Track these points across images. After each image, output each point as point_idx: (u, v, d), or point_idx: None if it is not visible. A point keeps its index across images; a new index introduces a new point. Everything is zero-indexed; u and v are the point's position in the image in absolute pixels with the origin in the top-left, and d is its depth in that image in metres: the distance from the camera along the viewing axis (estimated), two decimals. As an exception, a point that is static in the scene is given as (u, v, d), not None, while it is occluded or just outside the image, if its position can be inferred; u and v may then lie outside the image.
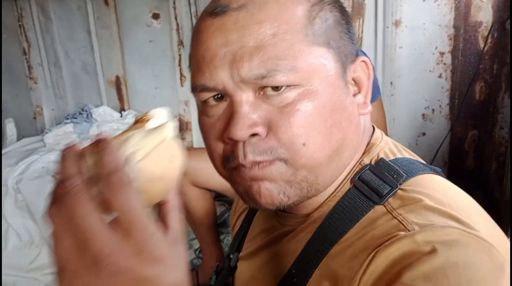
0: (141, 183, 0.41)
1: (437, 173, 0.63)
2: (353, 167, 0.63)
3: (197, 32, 0.60)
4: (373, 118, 1.63)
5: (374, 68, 1.65)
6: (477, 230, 0.51)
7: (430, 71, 2.21)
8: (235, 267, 0.82)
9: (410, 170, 0.59)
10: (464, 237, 0.49)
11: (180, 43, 2.58)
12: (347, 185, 0.62)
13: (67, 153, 0.41)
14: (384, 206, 0.56)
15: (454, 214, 0.52)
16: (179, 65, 2.61)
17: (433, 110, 2.27)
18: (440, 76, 2.21)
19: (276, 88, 0.56)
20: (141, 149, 0.43)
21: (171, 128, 0.45)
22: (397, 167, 0.59)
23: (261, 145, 0.56)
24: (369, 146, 0.65)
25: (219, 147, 0.59)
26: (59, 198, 0.37)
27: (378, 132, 0.68)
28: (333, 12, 0.60)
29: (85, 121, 2.64)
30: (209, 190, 1.94)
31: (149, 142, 0.43)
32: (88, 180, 0.39)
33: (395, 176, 0.58)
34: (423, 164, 0.64)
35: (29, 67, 2.97)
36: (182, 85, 2.64)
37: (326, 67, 0.57)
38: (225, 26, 0.56)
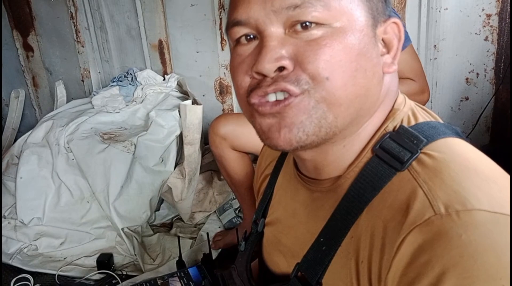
0: None
1: (459, 135, 0.62)
2: (375, 132, 0.63)
3: None
4: (408, 65, 1.64)
5: (405, 31, 1.63)
6: (503, 201, 0.50)
7: (475, 33, 2.14)
8: (262, 233, 0.84)
9: (431, 135, 0.59)
10: (490, 219, 0.48)
11: (221, 6, 2.59)
12: (369, 154, 0.62)
13: None
14: (409, 171, 0.56)
15: (476, 183, 0.52)
16: (220, 28, 2.63)
17: (477, 74, 2.22)
18: (486, 39, 2.14)
19: (305, 26, 0.56)
20: None
21: None
22: (417, 133, 0.59)
23: (290, 76, 0.57)
24: (392, 112, 0.65)
25: (246, 81, 0.61)
26: None
27: (401, 96, 0.68)
28: None
29: (130, 84, 2.72)
30: (248, 153, 1.99)
31: None
32: None
33: (415, 141, 0.58)
34: (445, 126, 0.63)
35: (77, 31, 3.06)
36: (222, 49, 2.67)
37: (357, 13, 0.58)
38: None
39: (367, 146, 0.63)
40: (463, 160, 0.55)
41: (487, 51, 2.16)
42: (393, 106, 0.65)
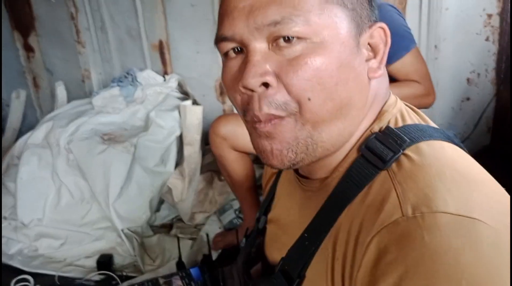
0: None
1: (448, 138, 0.63)
2: (362, 134, 0.65)
3: None
4: (413, 67, 1.63)
5: (410, 32, 1.62)
6: (472, 204, 0.51)
7: (476, 34, 2.14)
8: (264, 229, 0.86)
9: (416, 137, 0.60)
10: (453, 222, 0.49)
11: (221, 7, 2.58)
12: (355, 154, 0.64)
13: None
14: (388, 171, 0.58)
15: (449, 188, 0.52)
16: (221, 29, 2.62)
17: (478, 74, 2.21)
18: (487, 39, 2.13)
19: (287, 40, 0.58)
20: None
21: None
22: (401, 134, 0.60)
23: (276, 99, 0.59)
24: (381, 113, 0.66)
25: (238, 99, 0.64)
26: None
27: (392, 98, 0.69)
28: None
29: (130, 84, 2.72)
30: (248, 154, 1.99)
31: None
32: None
33: (398, 142, 0.59)
34: (434, 129, 0.64)
35: (77, 32, 3.06)
36: (223, 49, 2.66)
37: (337, 25, 0.59)
38: None
39: (353, 147, 0.65)
40: (441, 164, 0.56)
41: (488, 51, 2.15)
42: (382, 108, 0.67)
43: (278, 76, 0.59)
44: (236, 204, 2.39)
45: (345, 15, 0.60)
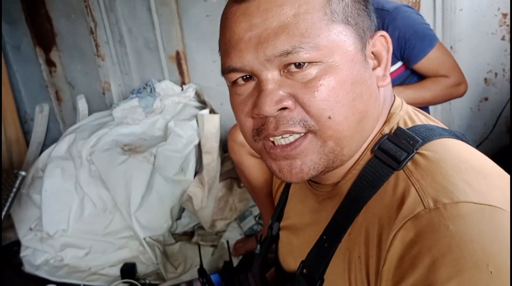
0: None
1: (457, 137, 0.65)
2: (374, 137, 0.66)
3: (224, 19, 0.64)
4: (440, 62, 1.65)
5: (430, 28, 1.63)
6: (490, 194, 0.53)
7: (492, 33, 2.12)
8: (277, 236, 0.88)
9: (427, 136, 0.62)
10: (476, 210, 0.51)
11: (236, 16, 2.61)
12: (368, 155, 0.65)
13: None
14: (404, 170, 0.59)
15: (467, 180, 0.54)
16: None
17: (495, 74, 2.19)
18: (503, 39, 2.11)
19: (299, 65, 0.59)
20: None
21: None
22: (413, 134, 0.62)
23: (294, 116, 0.60)
24: (389, 116, 0.68)
25: (249, 122, 0.65)
26: None
27: (398, 101, 0.71)
28: None
29: (149, 95, 2.77)
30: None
31: None
32: None
33: (411, 142, 0.61)
34: (441, 128, 0.66)
35: (97, 46, 3.13)
36: (238, 58, 2.68)
37: (346, 43, 0.60)
38: (249, 11, 0.59)
39: (366, 149, 0.66)
40: (455, 158, 0.58)
41: (505, 50, 2.13)
42: (389, 111, 0.69)
43: (294, 97, 0.60)
44: (256, 211, 2.41)
45: (350, 31, 0.61)
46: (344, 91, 0.60)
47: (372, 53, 0.65)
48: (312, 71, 0.59)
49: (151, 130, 2.61)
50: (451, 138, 0.63)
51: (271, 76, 0.60)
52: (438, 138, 0.62)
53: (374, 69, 0.65)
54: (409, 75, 1.75)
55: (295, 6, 0.58)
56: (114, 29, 3.04)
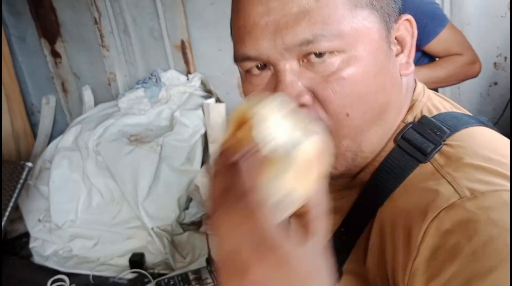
0: (298, 166, 0.44)
1: (483, 123, 0.61)
2: (397, 127, 0.62)
3: (235, 0, 0.59)
4: (453, 40, 1.64)
5: (440, 7, 1.61)
6: None
7: (501, 16, 2.07)
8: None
9: (454, 125, 0.58)
10: None
11: (241, 3, 2.58)
12: (391, 145, 0.61)
13: (219, 168, 0.44)
14: (431, 163, 0.55)
15: (501, 171, 0.52)
16: (241, 25, 2.62)
17: (505, 58, 2.14)
18: (513, 21, 2.07)
19: (320, 55, 0.54)
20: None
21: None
22: (439, 124, 0.58)
23: (311, 115, 0.56)
24: (412, 103, 0.64)
25: None
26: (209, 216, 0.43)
27: (420, 86, 0.66)
28: None
29: (154, 85, 2.75)
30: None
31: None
32: (228, 200, 0.42)
33: (438, 133, 0.57)
34: (468, 116, 0.62)
35: (101, 36, 3.11)
36: (244, 46, 2.66)
37: (370, 31, 0.56)
38: None
39: (389, 140, 0.62)
40: (485, 148, 0.55)
41: (515, 33, 2.09)
42: (411, 98, 0.65)
43: (313, 93, 0.56)
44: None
45: (375, 17, 0.56)
46: (367, 84, 0.55)
47: (396, 38, 0.60)
48: (334, 61, 0.54)
49: (157, 120, 2.60)
50: (478, 125, 0.60)
51: (289, 66, 0.55)
52: (466, 127, 0.58)
53: (397, 55, 0.61)
54: (420, 57, 1.73)
55: None
56: (118, 18, 3.02)
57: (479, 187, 0.50)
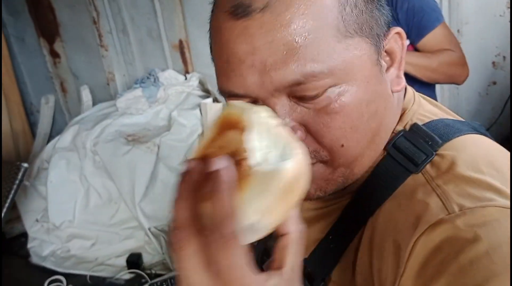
0: (275, 189, 0.41)
1: (475, 130, 0.60)
2: (387, 137, 0.60)
3: (217, 32, 0.55)
4: (445, 37, 1.68)
5: (437, 6, 1.62)
6: None
7: (500, 15, 2.06)
8: None
9: (446, 134, 0.57)
10: (504, 215, 0.47)
11: (239, 2, 2.57)
12: (382, 153, 0.59)
13: (183, 189, 0.41)
14: (422, 174, 0.54)
15: (493, 184, 0.50)
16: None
17: (504, 57, 2.13)
18: (511, 21, 2.06)
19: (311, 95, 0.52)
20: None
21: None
22: (431, 132, 0.56)
23: (305, 147, 0.53)
24: (402, 111, 0.62)
25: None
26: (173, 246, 0.41)
27: (409, 92, 0.64)
28: None
29: (152, 85, 2.75)
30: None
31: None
32: (197, 229, 0.40)
33: (430, 142, 0.55)
34: (460, 122, 0.60)
35: (100, 36, 3.11)
36: (242, 46, 2.66)
37: (361, 59, 0.53)
38: (250, 31, 0.50)
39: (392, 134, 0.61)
40: (477, 159, 0.54)
41: (514, 32, 2.08)
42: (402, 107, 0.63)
43: (305, 126, 0.54)
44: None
45: (365, 42, 0.53)
46: (359, 114, 0.53)
47: (385, 51, 0.57)
48: (325, 96, 0.52)
49: (154, 120, 2.59)
50: (470, 133, 0.58)
51: (279, 103, 0.53)
52: (458, 136, 0.57)
53: (387, 69, 0.58)
54: None
55: (304, 24, 0.49)
56: (116, 18, 3.02)
57: (468, 202, 0.49)
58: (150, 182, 2.29)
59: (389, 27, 0.58)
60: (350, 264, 0.59)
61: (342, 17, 0.51)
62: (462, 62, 1.67)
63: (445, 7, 2.15)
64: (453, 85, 2.25)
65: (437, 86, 1.94)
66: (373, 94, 0.54)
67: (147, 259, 2.26)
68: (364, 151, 0.57)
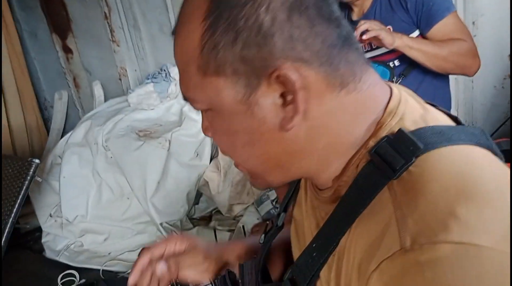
0: None
1: (473, 141, 0.54)
2: (358, 151, 0.57)
3: None
4: (457, 26, 1.62)
5: (409, 5, 1.58)
6: (482, 229, 0.45)
7: (516, 7, 2.02)
8: (282, 226, 0.82)
9: (432, 142, 0.52)
10: (458, 253, 0.44)
11: (250, -4, 2.56)
12: (365, 159, 0.56)
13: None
14: (389, 189, 0.51)
15: (456, 214, 0.45)
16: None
17: (520, 50, 2.09)
18: (528, 12, 2.01)
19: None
20: None
21: None
22: (414, 139, 0.52)
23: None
24: (377, 126, 0.57)
25: None
26: None
27: (393, 103, 0.58)
28: (229, 33, 0.52)
29: (164, 80, 2.75)
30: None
31: None
32: None
33: (411, 147, 0.51)
34: (458, 130, 0.55)
35: (111, 31, 3.12)
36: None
37: (219, 96, 0.54)
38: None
39: (358, 151, 0.58)
40: (449, 177, 0.49)
41: (531, 24, 2.03)
42: (380, 119, 0.58)
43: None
44: (273, 194, 2.39)
45: (225, 82, 0.53)
46: (232, 139, 0.58)
47: (281, 82, 0.53)
48: (207, 115, 0.60)
49: (166, 115, 2.60)
50: (467, 144, 0.54)
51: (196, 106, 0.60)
52: (445, 145, 0.52)
53: (285, 106, 0.54)
54: None
55: (179, 57, 0.57)
56: (128, 13, 3.02)
57: (421, 236, 0.45)
58: (161, 178, 2.30)
59: (286, 58, 0.53)
60: (326, 277, 0.57)
61: (201, 56, 0.53)
62: (473, 53, 1.63)
63: (460, -1, 2.11)
64: (467, 78, 2.21)
65: (451, 80, 1.90)
66: (239, 128, 0.56)
67: (159, 254, 2.27)
68: (269, 171, 0.60)
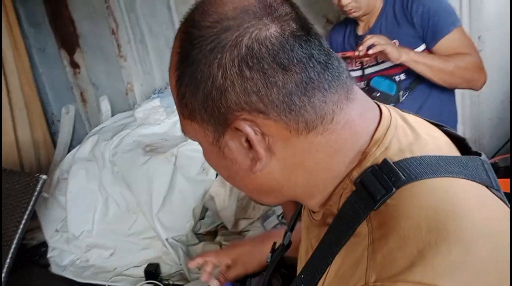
0: None
1: (467, 172, 0.53)
2: (342, 180, 0.57)
3: None
4: (462, 42, 1.63)
5: (439, 9, 1.57)
6: (450, 271, 0.44)
7: (522, 22, 2.02)
8: (289, 245, 0.84)
9: (416, 174, 0.51)
10: None
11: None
12: (351, 187, 0.56)
13: None
14: (367, 222, 0.51)
15: (423, 247, 0.45)
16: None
17: (527, 64, 2.08)
18: (534, 27, 2.01)
19: None
20: None
21: None
22: (397, 169, 0.52)
23: None
24: (362, 156, 0.57)
25: None
26: None
27: (378, 134, 0.58)
28: (192, 85, 0.54)
29: (170, 94, 2.75)
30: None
31: None
32: None
33: (393, 178, 0.51)
34: (452, 163, 0.54)
35: (119, 46, 3.14)
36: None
37: (198, 136, 0.60)
38: None
39: (343, 180, 0.57)
40: (422, 214, 0.48)
41: (537, 39, 2.03)
42: (365, 150, 0.57)
43: None
44: (279, 210, 2.38)
45: (198, 126, 0.57)
46: (219, 170, 0.63)
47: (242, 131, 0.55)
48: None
49: (172, 130, 2.60)
50: (455, 177, 0.52)
51: None
52: (430, 177, 0.51)
53: (251, 149, 0.56)
54: None
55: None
56: (135, 28, 3.05)
57: (384, 273, 0.45)
58: (167, 193, 2.30)
59: (246, 104, 0.54)
60: None
61: (179, 101, 0.58)
62: (480, 67, 1.63)
63: (466, 13, 2.11)
64: (474, 93, 2.20)
65: (458, 94, 1.90)
66: (215, 162, 0.61)
67: (164, 270, 2.26)
68: (257, 195, 0.63)
